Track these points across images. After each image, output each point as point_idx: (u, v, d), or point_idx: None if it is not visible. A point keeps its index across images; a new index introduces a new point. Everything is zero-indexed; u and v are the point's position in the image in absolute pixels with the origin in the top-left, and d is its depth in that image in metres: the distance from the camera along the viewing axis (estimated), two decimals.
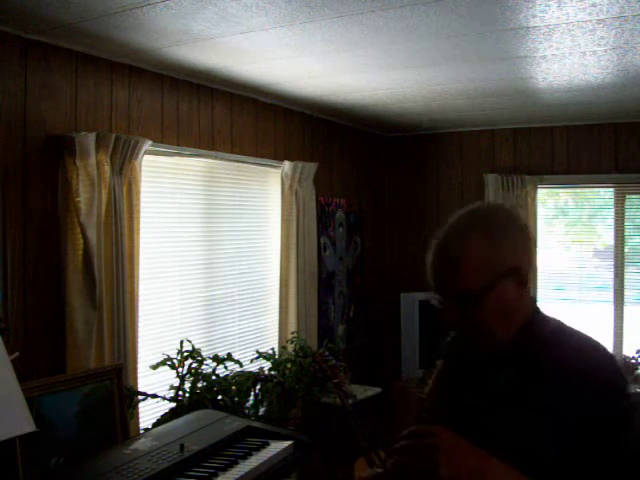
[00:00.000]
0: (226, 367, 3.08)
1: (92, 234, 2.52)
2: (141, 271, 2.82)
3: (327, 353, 3.40)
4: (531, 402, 1.08)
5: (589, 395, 1.04)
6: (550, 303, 4.56)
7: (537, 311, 1.22)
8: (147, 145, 2.79)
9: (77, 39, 2.52)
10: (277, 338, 3.83)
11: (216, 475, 1.79)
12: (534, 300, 1.24)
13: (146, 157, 2.86)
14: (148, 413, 2.87)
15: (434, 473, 0.97)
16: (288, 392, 3.26)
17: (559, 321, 1.22)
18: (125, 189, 2.71)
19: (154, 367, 2.79)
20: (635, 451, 1.04)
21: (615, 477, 1.02)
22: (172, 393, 2.80)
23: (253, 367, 3.30)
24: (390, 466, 1.06)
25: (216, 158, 3.41)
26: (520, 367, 1.13)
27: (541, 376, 1.09)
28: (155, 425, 2.64)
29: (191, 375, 2.85)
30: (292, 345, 3.58)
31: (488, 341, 1.17)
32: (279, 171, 3.83)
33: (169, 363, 2.82)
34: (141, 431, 2.72)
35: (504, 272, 1.13)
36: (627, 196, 4.33)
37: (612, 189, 4.37)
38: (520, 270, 1.14)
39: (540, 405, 1.06)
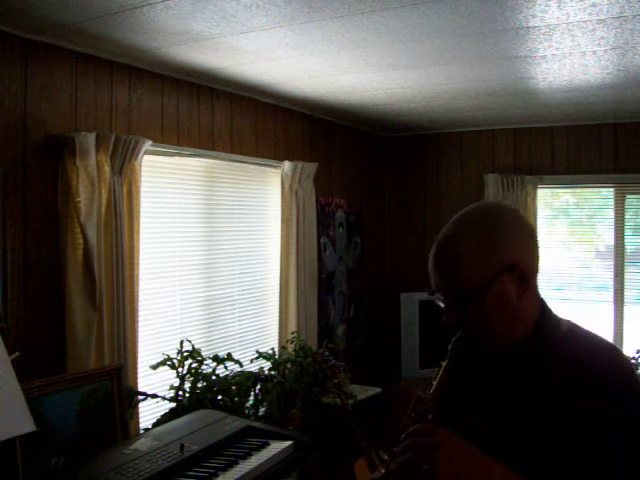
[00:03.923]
0: (226, 367, 3.08)
1: (92, 234, 2.52)
2: (141, 271, 2.82)
3: (327, 353, 3.40)
4: (552, 405, 1.06)
5: (620, 395, 1.03)
6: (550, 303, 4.56)
7: (547, 311, 1.21)
8: (147, 145, 2.79)
9: (77, 39, 2.52)
10: (277, 338, 3.83)
11: (216, 475, 1.79)
12: (542, 300, 1.22)
13: (146, 157, 2.86)
14: (148, 413, 2.87)
15: (434, 470, 0.97)
16: (288, 392, 3.26)
17: (572, 322, 1.21)
18: (125, 189, 2.71)
19: (154, 367, 2.79)
20: None
21: None
22: (172, 393, 2.80)
23: (253, 367, 3.30)
24: (393, 466, 1.06)
25: (216, 158, 3.41)
26: (536, 368, 1.12)
27: (563, 378, 1.07)
28: (155, 425, 2.64)
29: (191, 375, 2.85)
30: (292, 345, 3.58)
31: (490, 341, 1.16)
32: (279, 171, 3.83)
33: (169, 363, 2.82)
34: (141, 431, 2.72)
35: (501, 269, 1.12)
36: (627, 196, 4.33)
37: (612, 189, 4.37)
38: (518, 266, 1.13)
39: (565, 407, 1.04)
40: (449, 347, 1.23)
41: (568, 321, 1.22)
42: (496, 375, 1.18)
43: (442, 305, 1.19)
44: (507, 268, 1.13)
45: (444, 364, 1.22)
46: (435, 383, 1.20)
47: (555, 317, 1.21)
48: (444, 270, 1.17)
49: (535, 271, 1.18)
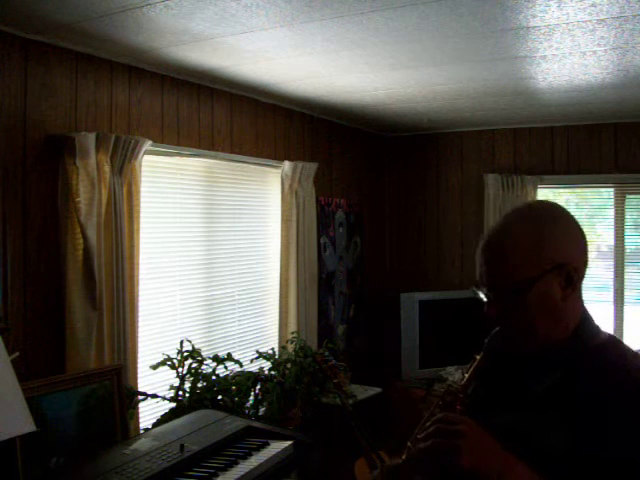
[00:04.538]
0: (226, 367, 3.08)
1: (92, 234, 2.52)
2: (141, 271, 2.82)
3: (327, 353, 3.40)
4: (584, 409, 1.05)
5: None
6: None
7: (588, 318, 1.19)
8: (147, 145, 2.79)
9: (77, 39, 2.52)
10: (277, 338, 3.83)
11: (216, 475, 1.79)
12: (585, 308, 1.20)
13: (146, 157, 2.86)
14: (148, 413, 2.87)
15: (455, 459, 0.96)
16: (288, 392, 3.26)
17: (611, 334, 1.20)
18: (125, 189, 2.71)
19: (154, 367, 2.79)
20: None
21: None
22: (172, 393, 2.80)
23: (253, 367, 3.30)
24: (415, 452, 1.05)
25: (216, 158, 3.41)
26: (570, 371, 1.11)
27: (598, 382, 1.07)
28: (155, 425, 2.64)
29: (191, 375, 2.85)
30: (292, 345, 3.58)
31: (529, 340, 1.15)
32: (279, 171, 3.83)
33: (169, 363, 2.82)
34: (141, 431, 2.72)
35: (549, 268, 1.11)
36: (627, 196, 4.33)
37: (612, 189, 4.37)
38: (566, 267, 1.11)
39: (598, 410, 1.04)
40: (486, 340, 1.22)
41: (608, 332, 1.21)
42: (527, 374, 1.17)
43: (484, 298, 1.18)
44: (556, 267, 1.11)
45: (478, 357, 1.20)
46: (467, 375, 1.19)
47: (596, 326, 1.20)
48: (492, 262, 1.16)
49: (582, 275, 1.16)
